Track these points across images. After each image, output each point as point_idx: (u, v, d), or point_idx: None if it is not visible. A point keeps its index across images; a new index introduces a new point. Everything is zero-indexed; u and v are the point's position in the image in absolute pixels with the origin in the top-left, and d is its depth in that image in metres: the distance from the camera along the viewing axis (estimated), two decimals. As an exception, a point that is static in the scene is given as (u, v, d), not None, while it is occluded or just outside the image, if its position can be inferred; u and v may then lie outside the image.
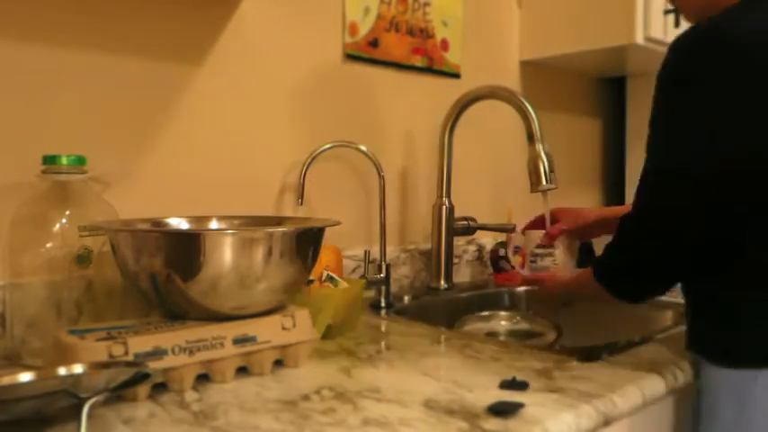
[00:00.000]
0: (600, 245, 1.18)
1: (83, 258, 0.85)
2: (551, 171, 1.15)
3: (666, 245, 0.76)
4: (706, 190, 0.72)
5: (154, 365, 0.69)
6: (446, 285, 1.36)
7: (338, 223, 0.88)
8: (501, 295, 1.42)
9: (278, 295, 0.81)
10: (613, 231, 0.88)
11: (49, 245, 0.84)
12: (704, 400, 0.81)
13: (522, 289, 1.44)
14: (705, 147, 0.72)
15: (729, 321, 0.78)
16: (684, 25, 1.59)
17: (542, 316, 1.23)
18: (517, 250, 1.48)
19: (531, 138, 1.17)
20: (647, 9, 1.47)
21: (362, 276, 1.24)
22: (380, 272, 1.22)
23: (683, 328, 1.04)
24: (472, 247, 1.57)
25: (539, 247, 1.08)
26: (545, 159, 1.15)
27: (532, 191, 1.17)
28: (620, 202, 1.99)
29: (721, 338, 0.79)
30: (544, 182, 1.15)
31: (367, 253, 1.22)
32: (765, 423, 0.75)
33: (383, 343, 0.95)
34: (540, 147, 1.16)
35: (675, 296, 1.31)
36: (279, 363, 0.81)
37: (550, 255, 1.07)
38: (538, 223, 1.13)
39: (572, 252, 1.09)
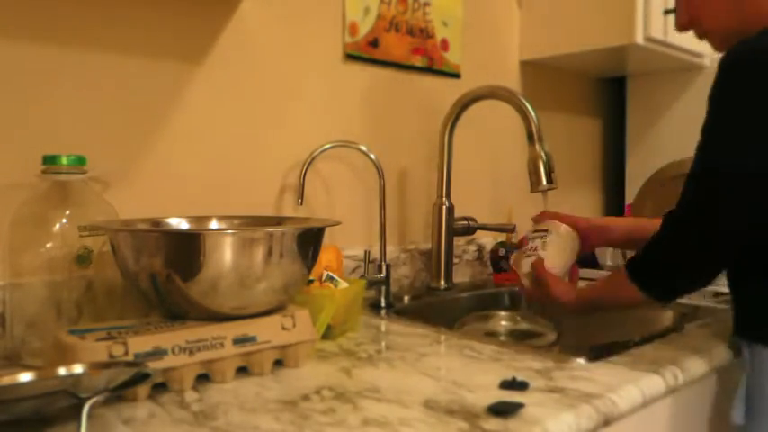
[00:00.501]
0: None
1: (83, 258, 0.85)
2: (551, 171, 1.15)
3: (708, 243, 0.81)
4: (750, 191, 0.78)
5: (154, 365, 0.69)
6: (446, 285, 1.36)
7: (338, 223, 0.88)
8: (501, 295, 1.42)
9: (278, 295, 0.81)
10: (638, 247, 0.90)
11: (49, 245, 0.84)
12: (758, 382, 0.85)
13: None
14: (751, 150, 0.78)
15: None
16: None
17: (546, 316, 1.23)
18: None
19: (530, 138, 1.17)
20: (647, 9, 1.47)
21: (362, 276, 1.24)
22: (380, 272, 1.22)
23: (682, 328, 1.04)
24: (472, 247, 1.57)
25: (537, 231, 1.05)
26: (545, 159, 1.15)
27: (532, 191, 1.17)
28: (620, 202, 1.99)
29: None
30: (544, 182, 1.15)
31: (367, 253, 1.22)
32: None
33: (383, 343, 0.95)
34: (539, 147, 1.16)
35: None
36: (279, 363, 0.81)
37: (542, 237, 1.03)
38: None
39: (573, 254, 1.05)
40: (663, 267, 0.86)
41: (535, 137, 1.17)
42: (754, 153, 0.78)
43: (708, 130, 0.84)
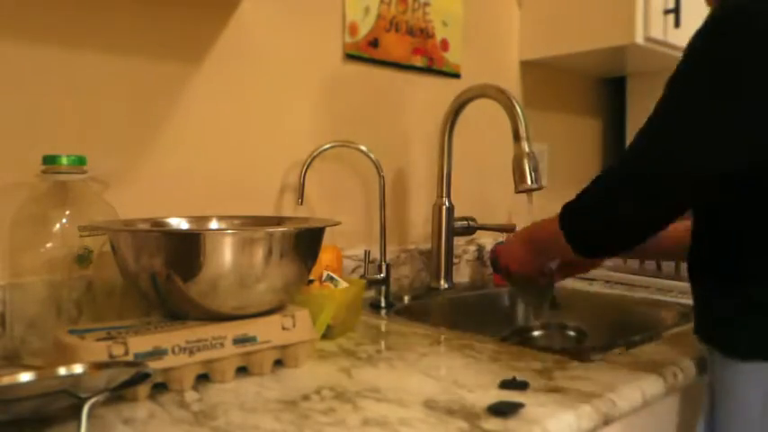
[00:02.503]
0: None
1: (83, 258, 0.85)
2: (535, 171, 1.13)
3: (650, 201, 0.74)
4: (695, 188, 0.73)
5: (154, 365, 0.69)
6: (446, 285, 1.36)
7: (338, 223, 0.88)
8: (501, 295, 1.42)
9: (278, 295, 0.81)
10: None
11: (49, 245, 0.84)
12: (720, 391, 0.79)
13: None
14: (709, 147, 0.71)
15: (744, 313, 0.76)
16: (686, 25, 1.59)
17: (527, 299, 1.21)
18: None
19: (516, 136, 1.16)
20: (647, 9, 1.47)
21: (362, 276, 1.24)
22: (380, 272, 1.22)
23: (683, 327, 1.04)
24: (472, 247, 1.57)
25: None
26: (530, 158, 1.14)
27: (516, 191, 1.15)
28: (620, 202, 1.98)
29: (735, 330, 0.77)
30: (529, 182, 1.13)
31: (367, 253, 1.22)
32: None
33: (383, 343, 0.95)
34: (525, 145, 1.14)
35: (676, 296, 1.31)
36: (279, 363, 0.81)
37: None
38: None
39: None
40: (593, 220, 0.80)
41: (521, 135, 1.15)
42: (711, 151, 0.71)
43: (667, 111, 0.74)
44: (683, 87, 0.74)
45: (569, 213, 0.83)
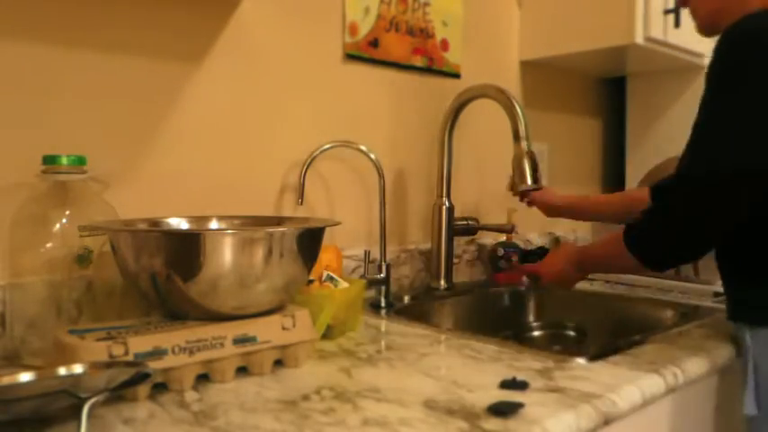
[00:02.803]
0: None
1: (83, 258, 0.85)
2: (535, 171, 1.15)
3: (712, 217, 0.82)
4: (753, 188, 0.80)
5: (154, 365, 0.69)
6: (446, 285, 1.36)
7: (338, 223, 0.88)
8: (501, 295, 1.42)
9: (278, 295, 0.81)
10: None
11: (49, 245, 0.84)
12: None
13: (523, 288, 1.44)
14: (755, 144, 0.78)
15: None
16: (685, 25, 1.59)
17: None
18: (515, 251, 1.49)
19: (516, 136, 1.17)
20: (647, 9, 1.47)
21: (362, 276, 1.24)
22: (380, 272, 1.22)
23: (683, 327, 1.04)
24: (472, 247, 1.57)
25: None
26: (530, 158, 1.15)
27: (517, 190, 1.16)
28: (620, 202, 1.98)
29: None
30: (529, 182, 1.15)
31: (367, 253, 1.22)
32: None
33: (383, 343, 0.95)
34: (525, 145, 1.15)
35: (676, 295, 1.31)
36: (279, 363, 0.81)
37: None
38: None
39: None
40: (662, 238, 0.87)
41: (521, 135, 1.16)
42: (757, 148, 0.78)
43: (708, 118, 0.82)
44: (719, 97, 0.83)
45: (637, 233, 0.90)
